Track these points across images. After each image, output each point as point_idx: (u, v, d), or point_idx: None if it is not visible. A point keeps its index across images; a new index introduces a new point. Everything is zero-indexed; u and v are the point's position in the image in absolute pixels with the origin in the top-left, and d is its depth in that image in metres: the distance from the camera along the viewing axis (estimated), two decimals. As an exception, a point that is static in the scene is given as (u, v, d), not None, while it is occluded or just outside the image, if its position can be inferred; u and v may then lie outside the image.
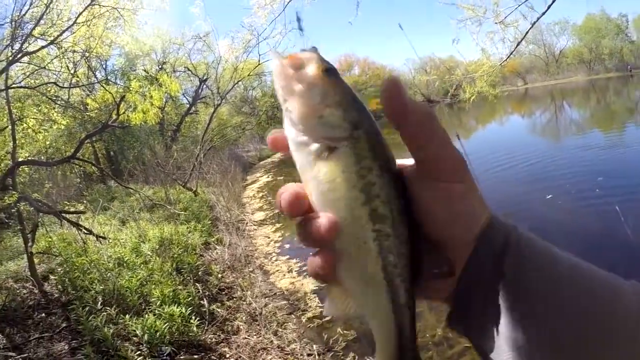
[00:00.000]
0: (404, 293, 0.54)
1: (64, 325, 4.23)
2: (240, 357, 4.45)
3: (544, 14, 8.68)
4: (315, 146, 0.53)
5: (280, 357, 4.44)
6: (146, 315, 4.48)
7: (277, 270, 7.29)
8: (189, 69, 22.95)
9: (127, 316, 4.43)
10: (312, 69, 0.54)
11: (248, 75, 21.94)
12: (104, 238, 6.69)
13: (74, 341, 4.05)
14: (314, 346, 4.69)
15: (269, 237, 9.48)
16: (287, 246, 8.65)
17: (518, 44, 10.22)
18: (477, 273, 0.53)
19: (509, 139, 14.90)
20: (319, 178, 0.52)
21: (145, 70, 17.13)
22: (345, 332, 4.91)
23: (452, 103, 50.73)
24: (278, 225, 10.37)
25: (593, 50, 62.02)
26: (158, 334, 4.20)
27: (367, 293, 0.55)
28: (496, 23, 9.96)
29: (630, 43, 62.42)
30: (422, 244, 0.54)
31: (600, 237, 5.87)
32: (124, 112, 9.66)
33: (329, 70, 0.54)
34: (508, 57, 10.94)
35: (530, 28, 9.49)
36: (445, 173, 0.53)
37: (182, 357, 4.20)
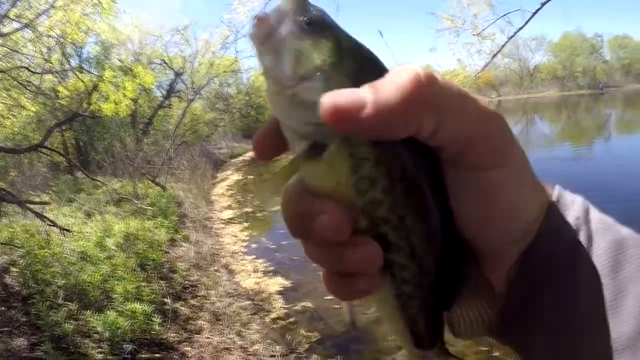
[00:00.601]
0: (423, 325, 0.46)
1: (23, 319, 4.14)
2: (202, 356, 4.42)
3: (520, 29, 8.91)
4: (301, 144, 0.41)
5: (242, 358, 4.44)
6: (108, 312, 4.41)
7: (243, 270, 7.27)
8: (165, 62, 22.61)
9: (89, 312, 4.35)
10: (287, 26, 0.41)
11: (224, 71, 21.83)
12: (68, 231, 6.57)
13: (33, 337, 3.95)
14: (277, 347, 4.70)
15: (236, 236, 9.44)
16: (254, 246, 8.63)
17: (494, 57, 10.45)
18: (530, 289, 0.44)
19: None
20: (308, 183, 0.42)
21: (120, 60, 16.82)
22: (308, 333, 4.94)
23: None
24: (246, 225, 10.35)
25: (567, 67, 64.78)
26: (119, 331, 4.14)
27: (387, 321, 0.48)
28: (474, 35, 10.20)
29: (604, 62, 65.50)
30: (458, 263, 0.43)
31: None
32: (95, 102, 9.50)
33: (311, 24, 0.41)
34: (483, 68, 11.17)
35: (507, 42, 9.75)
36: (478, 158, 0.40)
37: (143, 356, 4.15)
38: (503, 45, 10.03)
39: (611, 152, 16.49)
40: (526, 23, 8.71)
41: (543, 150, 17.65)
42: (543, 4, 7.88)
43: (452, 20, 10.64)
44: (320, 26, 0.42)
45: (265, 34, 0.41)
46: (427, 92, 0.35)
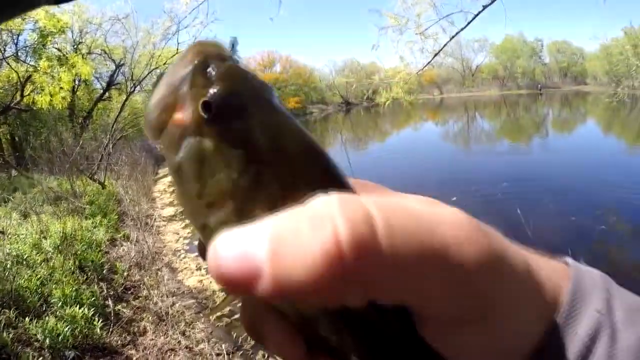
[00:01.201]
0: None
1: (-43, 331, 3.98)
2: (147, 359, 4.39)
3: (462, 29, 9.29)
4: None
5: (188, 358, 4.44)
6: (47, 318, 4.29)
7: (185, 268, 7.21)
8: (105, 52, 21.83)
9: (27, 319, 4.22)
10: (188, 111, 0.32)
11: (164, 63, 21.36)
12: (2, 233, 6.33)
13: (-31, 348, 3.82)
14: (223, 345, 4.72)
15: (178, 234, 9.32)
16: (196, 243, 8.52)
17: (435, 55, 10.75)
18: None
19: (421, 144, 15.50)
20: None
21: (58, 49, 16.13)
22: (254, 331, 4.97)
23: (369, 107, 52.30)
24: (187, 222, 10.21)
25: (508, 68, 68.47)
26: (60, 337, 4.02)
27: None
28: (417, 34, 10.51)
29: (543, 65, 69.01)
30: None
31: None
32: (29, 94, 9.11)
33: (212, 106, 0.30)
34: (425, 66, 11.48)
35: (449, 41, 10.16)
36: (441, 319, 0.29)
37: (86, 361, 4.09)
38: (445, 45, 10.41)
39: (548, 148, 17.32)
40: (468, 24, 9.08)
41: (483, 145, 18.27)
42: (485, 7, 8.21)
43: (396, 18, 10.85)
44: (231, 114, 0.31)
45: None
46: (352, 268, 0.24)
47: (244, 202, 0.30)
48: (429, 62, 11.13)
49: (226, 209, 0.30)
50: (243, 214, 0.29)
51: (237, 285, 0.25)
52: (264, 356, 4.48)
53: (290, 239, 0.25)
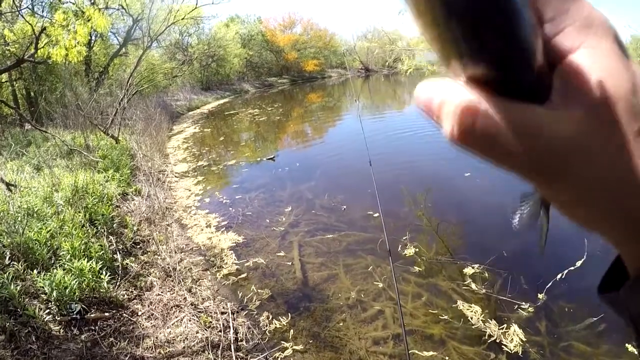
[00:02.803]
0: None
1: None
2: (152, 314, 4.44)
3: None
4: None
5: (193, 315, 4.47)
6: (55, 271, 4.34)
7: (195, 225, 7.24)
8: (122, 7, 21.61)
9: (35, 272, 4.27)
10: None
11: (183, 18, 21.12)
12: (14, 186, 6.37)
13: (-22, 301, 3.87)
14: (228, 304, 4.75)
15: (189, 190, 9.35)
16: (207, 200, 8.59)
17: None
18: None
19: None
20: None
21: (73, 3, 15.97)
22: (260, 290, 5.01)
23: (389, 74, 51.44)
24: (200, 178, 10.26)
25: None
26: (67, 290, 4.08)
27: None
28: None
29: None
30: None
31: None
32: (43, 47, 9.03)
33: None
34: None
35: None
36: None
37: (92, 315, 4.13)
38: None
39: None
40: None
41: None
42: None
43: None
44: None
45: None
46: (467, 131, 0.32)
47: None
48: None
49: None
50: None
51: (423, 111, 0.35)
52: (267, 317, 4.50)
53: (448, 103, 0.32)
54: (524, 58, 0.30)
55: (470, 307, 4.36)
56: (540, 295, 4.39)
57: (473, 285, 4.71)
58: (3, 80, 16.13)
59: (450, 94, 0.32)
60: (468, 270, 5.00)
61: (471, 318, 4.21)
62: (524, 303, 4.34)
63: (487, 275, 4.90)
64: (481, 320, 4.17)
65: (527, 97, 0.31)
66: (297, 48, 55.97)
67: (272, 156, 11.77)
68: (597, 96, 0.30)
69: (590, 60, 0.30)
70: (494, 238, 5.64)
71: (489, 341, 3.90)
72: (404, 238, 5.85)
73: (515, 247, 5.38)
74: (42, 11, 16.31)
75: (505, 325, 4.06)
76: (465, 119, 0.31)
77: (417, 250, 5.58)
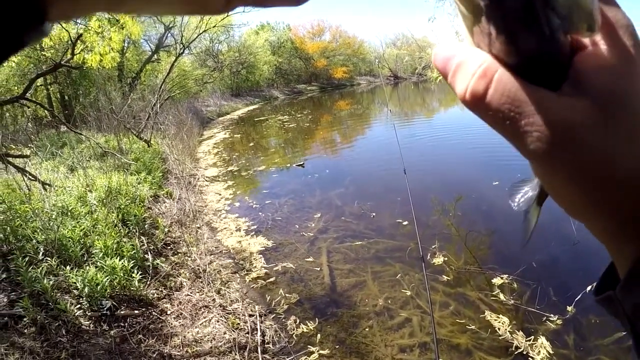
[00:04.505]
0: None
1: (3, 276, 4.10)
2: (181, 313, 4.47)
3: None
4: None
5: (221, 316, 4.49)
6: (87, 267, 4.41)
7: (225, 228, 7.28)
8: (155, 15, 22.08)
9: (68, 268, 4.34)
10: None
11: (214, 26, 21.44)
12: (50, 185, 6.51)
13: (12, 293, 3.93)
14: (256, 307, 4.75)
15: (219, 194, 9.42)
16: (237, 204, 8.64)
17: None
18: None
19: (468, 124, 15.04)
20: None
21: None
22: (288, 295, 5.00)
23: (418, 82, 51.25)
24: (230, 183, 10.33)
25: None
26: (99, 287, 4.13)
27: None
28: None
29: None
30: None
31: (545, 228, 5.95)
32: (79, 52, 9.25)
33: None
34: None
35: None
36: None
37: (122, 312, 4.18)
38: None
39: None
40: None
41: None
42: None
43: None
44: None
45: None
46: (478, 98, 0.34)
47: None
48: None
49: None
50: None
51: (439, 70, 0.36)
52: (295, 321, 4.48)
53: (466, 64, 0.34)
54: (552, 47, 0.32)
55: (498, 317, 4.28)
56: (569, 308, 4.29)
57: (501, 296, 4.62)
58: (38, 84, 16.56)
59: (470, 57, 0.34)
60: (496, 281, 4.91)
61: (498, 329, 4.13)
62: (552, 315, 4.23)
63: (515, 286, 4.80)
64: (508, 331, 4.08)
65: (543, 83, 0.32)
66: (325, 55, 56.09)
67: (301, 163, 11.78)
68: (605, 89, 0.31)
69: (603, 54, 0.32)
70: (522, 248, 5.53)
71: (515, 353, 3.81)
72: (433, 247, 5.79)
73: (544, 258, 5.28)
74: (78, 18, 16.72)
75: (532, 337, 3.96)
76: (479, 83, 0.33)
77: (445, 259, 5.51)
